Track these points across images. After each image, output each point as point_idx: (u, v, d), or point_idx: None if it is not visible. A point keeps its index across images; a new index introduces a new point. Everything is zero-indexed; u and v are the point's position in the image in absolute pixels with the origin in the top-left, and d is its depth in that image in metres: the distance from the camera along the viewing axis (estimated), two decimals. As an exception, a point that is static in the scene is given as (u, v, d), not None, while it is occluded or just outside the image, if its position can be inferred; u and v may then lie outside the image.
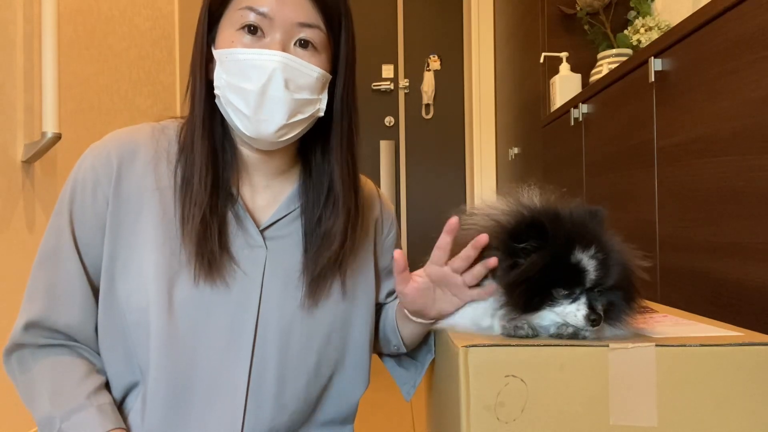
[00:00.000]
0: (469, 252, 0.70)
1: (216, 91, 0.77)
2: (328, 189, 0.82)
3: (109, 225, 0.77)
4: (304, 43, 0.75)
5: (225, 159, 0.80)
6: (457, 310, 0.75)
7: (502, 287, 0.68)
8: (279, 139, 0.77)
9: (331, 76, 0.79)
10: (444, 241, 0.72)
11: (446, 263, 0.72)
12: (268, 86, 0.73)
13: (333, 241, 0.81)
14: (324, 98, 0.79)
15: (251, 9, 0.73)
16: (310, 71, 0.75)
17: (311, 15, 0.75)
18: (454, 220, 0.71)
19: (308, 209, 0.83)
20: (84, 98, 2.01)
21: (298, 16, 0.74)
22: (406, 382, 0.95)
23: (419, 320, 0.81)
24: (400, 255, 0.75)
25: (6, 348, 0.78)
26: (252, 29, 0.74)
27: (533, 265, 0.66)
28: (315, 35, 0.76)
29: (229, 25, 0.75)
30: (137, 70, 2.37)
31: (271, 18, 0.73)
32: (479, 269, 0.70)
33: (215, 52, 0.76)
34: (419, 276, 0.76)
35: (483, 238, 0.68)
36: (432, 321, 0.80)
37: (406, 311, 0.83)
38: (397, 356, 0.96)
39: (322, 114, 0.79)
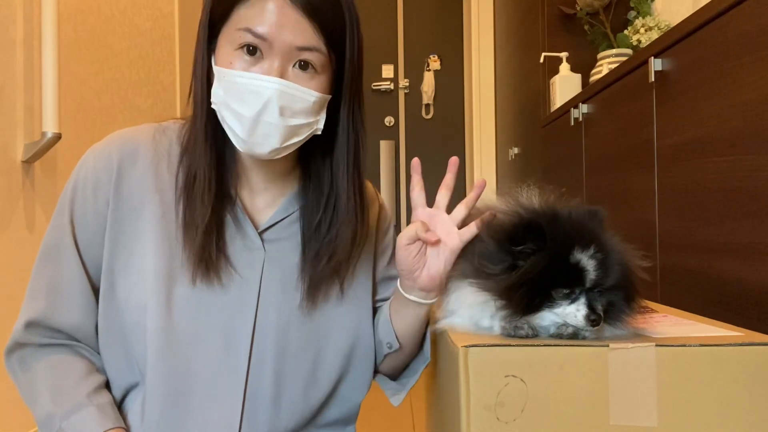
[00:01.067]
0: (471, 196, 0.81)
1: (213, 106, 0.76)
2: (328, 192, 0.82)
3: (110, 225, 0.77)
4: (303, 65, 0.73)
5: (225, 162, 0.80)
6: (447, 265, 0.77)
7: (502, 289, 0.68)
8: (274, 157, 0.77)
9: (330, 96, 0.78)
10: (414, 180, 0.83)
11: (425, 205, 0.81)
12: (263, 113, 0.72)
13: (332, 245, 0.81)
14: (322, 117, 0.78)
15: (249, 31, 0.71)
16: (308, 96, 0.74)
17: (311, 38, 0.72)
18: (416, 160, 0.83)
19: (308, 212, 0.83)
20: (84, 98, 2.01)
21: (296, 39, 0.72)
22: (393, 386, 0.92)
23: (412, 297, 0.81)
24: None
25: (7, 347, 0.78)
26: (251, 50, 0.72)
27: (532, 267, 0.65)
28: (315, 57, 0.73)
29: (227, 43, 0.74)
30: (137, 70, 2.37)
31: (270, 41, 0.71)
32: (471, 196, 0.81)
33: (214, 68, 0.75)
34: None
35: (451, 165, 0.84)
36: (424, 295, 0.80)
37: (399, 288, 0.82)
38: (389, 365, 0.92)
39: (319, 132, 0.78)
